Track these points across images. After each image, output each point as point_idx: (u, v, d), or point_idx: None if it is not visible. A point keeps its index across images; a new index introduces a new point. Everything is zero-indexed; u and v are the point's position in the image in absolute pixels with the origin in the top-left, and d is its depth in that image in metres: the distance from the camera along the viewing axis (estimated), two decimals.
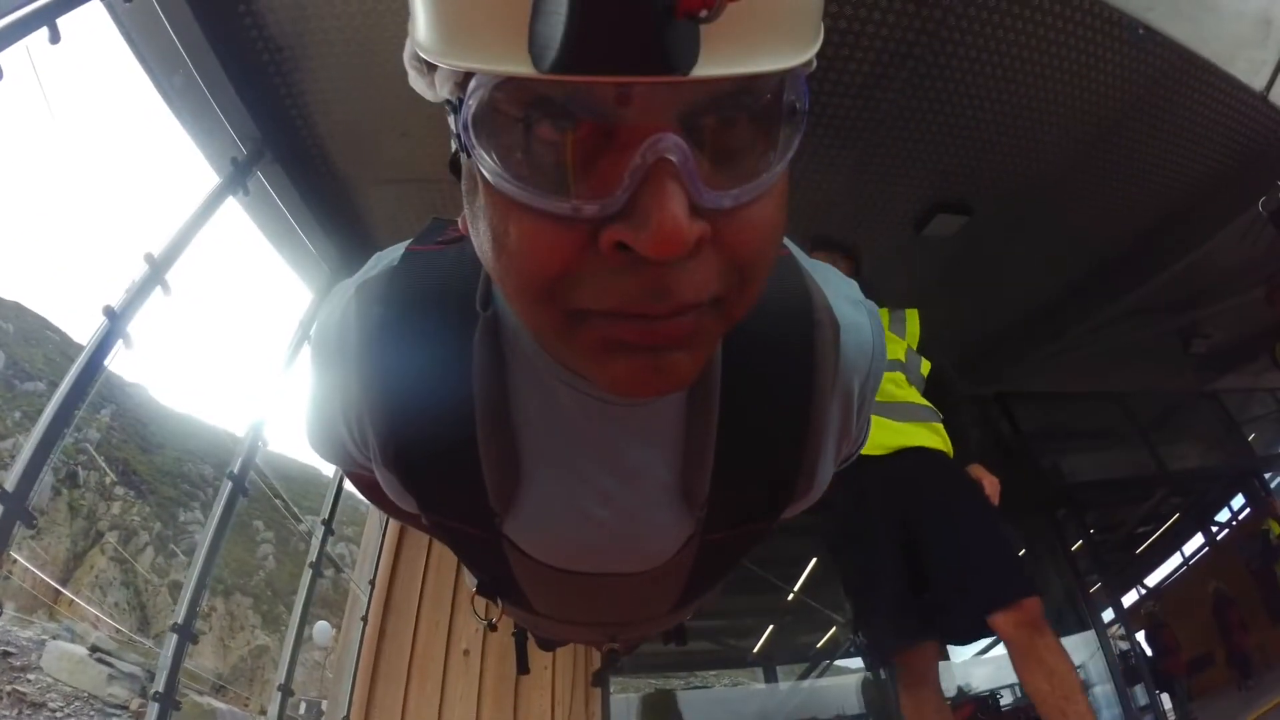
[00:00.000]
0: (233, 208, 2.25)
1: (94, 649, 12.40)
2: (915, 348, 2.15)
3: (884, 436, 1.91)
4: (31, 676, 11.37)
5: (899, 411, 1.97)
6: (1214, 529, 5.68)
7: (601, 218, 0.34)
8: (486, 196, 0.37)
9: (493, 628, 0.92)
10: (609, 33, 0.28)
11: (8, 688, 10.89)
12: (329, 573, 3.23)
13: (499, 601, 0.85)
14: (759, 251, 0.39)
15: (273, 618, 18.99)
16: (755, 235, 0.38)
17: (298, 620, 2.71)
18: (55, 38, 1.39)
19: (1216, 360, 4.70)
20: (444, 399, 0.55)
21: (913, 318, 2.19)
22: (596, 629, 0.98)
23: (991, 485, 1.93)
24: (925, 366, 2.13)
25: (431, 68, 0.40)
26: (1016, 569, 1.78)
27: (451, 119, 0.39)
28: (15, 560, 14.31)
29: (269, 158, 2.30)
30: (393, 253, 0.60)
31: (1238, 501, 5.41)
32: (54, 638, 12.66)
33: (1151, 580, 5.93)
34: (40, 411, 1.60)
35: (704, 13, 0.28)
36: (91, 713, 11.23)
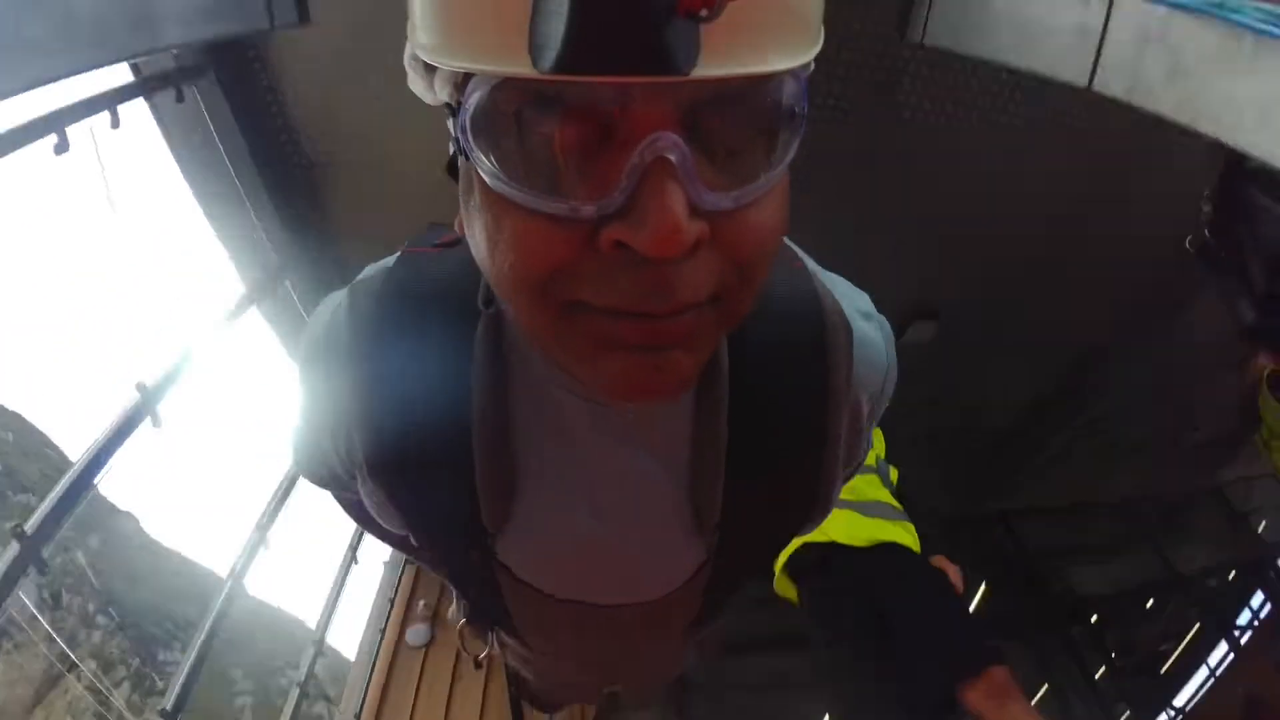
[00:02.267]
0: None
1: None
2: (884, 457, 2.34)
3: (862, 530, 2.04)
4: None
5: (875, 509, 2.12)
6: (1235, 633, 5.45)
7: (600, 217, 0.34)
8: (483, 197, 0.38)
9: (478, 665, 0.90)
10: (609, 32, 0.28)
11: None
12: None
13: (491, 635, 0.80)
14: (759, 253, 0.38)
15: None
16: (756, 236, 0.37)
17: None
18: (116, 123, 1.52)
19: (1211, 451, 4.70)
20: (438, 401, 0.53)
21: (877, 433, 2.40)
22: (594, 670, 0.92)
23: (954, 573, 2.08)
24: (894, 473, 2.31)
25: (431, 70, 0.40)
26: (980, 642, 1.88)
27: (450, 122, 0.39)
28: None
29: (293, 268, 2.43)
30: (387, 262, 0.59)
31: (1257, 599, 5.22)
32: None
33: (1180, 699, 5.62)
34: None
35: (704, 12, 0.28)
36: None
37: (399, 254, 0.58)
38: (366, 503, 0.61)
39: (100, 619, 17.47)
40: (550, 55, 0.29)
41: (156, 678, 17.61)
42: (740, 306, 0.41)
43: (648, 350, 0.38)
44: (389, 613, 3.12)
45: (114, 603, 18.11)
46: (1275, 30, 0.82)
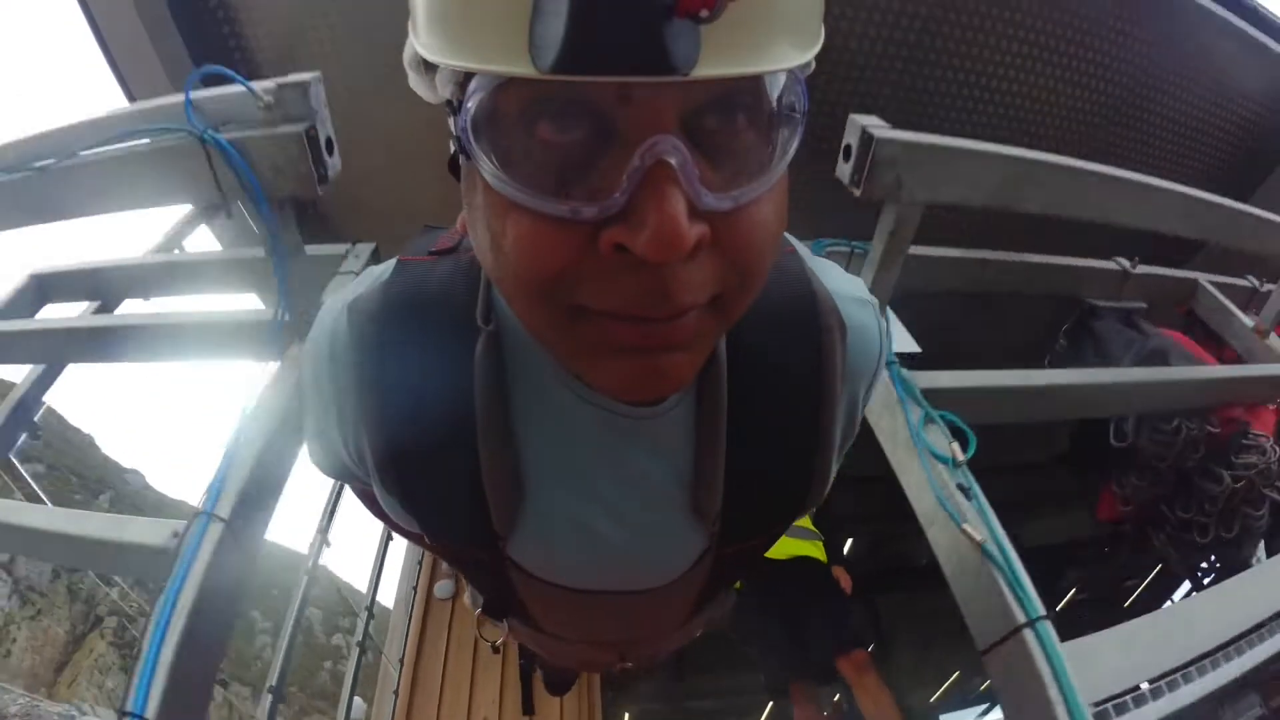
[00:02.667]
0: None
1: None
2: None
3: (786, 547, 2.81)
4: None
5: (795, 531, 2.86)
6: (1199, 574, 5.89)
7: (601, 219, 0.34)
8: (486, 197, 0.37)
9: (496, 650, 0.95)
10: (609, 33, 0.29)
11: None
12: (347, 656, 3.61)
13: (505, 622, 0.84)
14: (759, 253, 0.38)
15: None
16: (755, 236, 0.37)
17: (347, 695, 3.13)
18: None
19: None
20: (444, 417, 0.53)
21: None
22: (607, 648, 0.97)
23: (846, 581, 2.88)
24: None
25: (432, 68, 0.39)
26: (851, 632, 2.68)
27: (451, 121, 0.39)
28: (15, 639, 14.35)
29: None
30: (385, 266, 0.58)
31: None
32: (82, 714, 12.61)
33: None
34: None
35: (704, 13, 0.28)
36: None
37: (394, 263, 0.57)
38: (384, 506, 0.63)
39: (118, 575, 18.27)
40: (550, 56, 0.29)
41: None
42: (739, 306, 0.41)
43: (647, 353, 0.39)
44: (419, 571, 3.55)
45: None
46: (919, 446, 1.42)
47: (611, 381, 0.41)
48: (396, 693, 3.24)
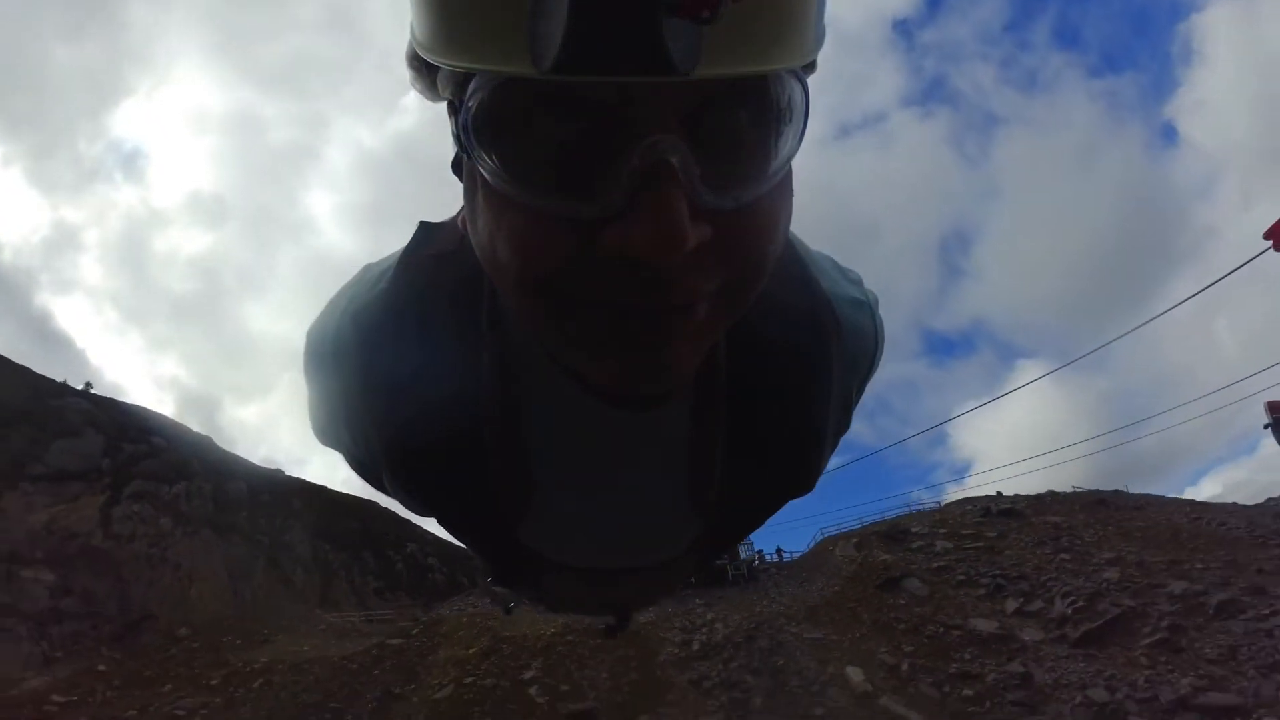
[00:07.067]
0: None
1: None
2: None
3: None
4: None
5: None
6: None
7: (601, 218, 0.35)
8: (486, 196, 0.38)
9: (508, 612, 1.09)
10: (610, 33, 0.29)
11: None
12: None
13: (513, 589, 0.90)
14: (762, 251, 0.39)
15: None
16: (758, 235, 0.38)
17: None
18: None
19: None
20: (453, 417, 0.55)
21: None
22: (607, 610, 1.05)
23: None
24: None
25: (432, 69, 0.40)
26: None
27: (452, 120, 0.40)
28: (303, 587, 26.39)
29: None
30: (384, 265, 0.60)
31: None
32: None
33: None
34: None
35: (705, 14, 0.28)
36: None
37: (396, 265, 0.58)
38: (398, 499, 0.67)
39: (326, 545, 29.54)
40: (550, 56, 0.29)
41: (353, 577, 30.08)
42: (741, 303, 0.42)
43: (647, 346, 0.39)
44: None
45: (331, 536, 30.04)
46: None
47: (612, 376, 0.41)
48: None
